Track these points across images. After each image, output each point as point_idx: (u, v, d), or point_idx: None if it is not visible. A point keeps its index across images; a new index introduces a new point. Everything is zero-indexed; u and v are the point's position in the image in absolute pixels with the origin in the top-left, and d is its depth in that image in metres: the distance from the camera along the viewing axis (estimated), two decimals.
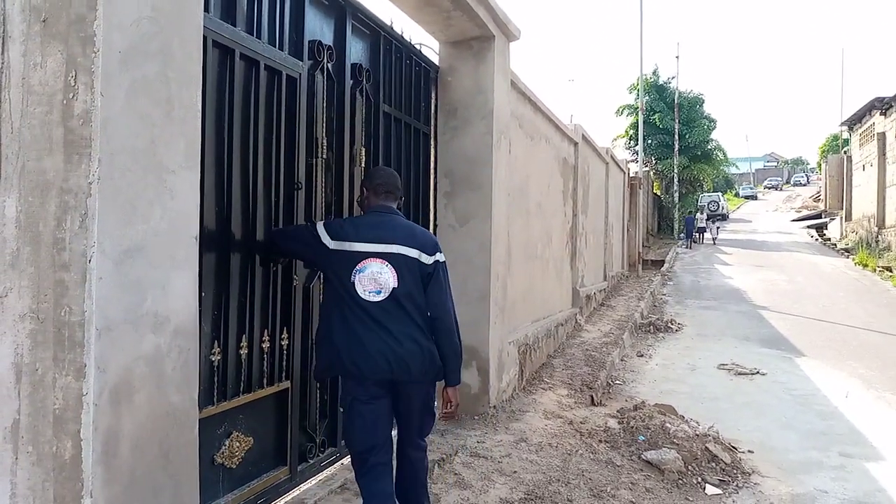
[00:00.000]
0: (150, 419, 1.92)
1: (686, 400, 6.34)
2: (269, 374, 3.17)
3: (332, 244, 2.73)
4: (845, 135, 35.56)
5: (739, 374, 7.58)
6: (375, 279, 2.68)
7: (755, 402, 6.52)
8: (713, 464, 4.62)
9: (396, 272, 2.70)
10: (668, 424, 4.97)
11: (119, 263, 1.81)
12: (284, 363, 3.29)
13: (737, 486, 4.39)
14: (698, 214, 29.34)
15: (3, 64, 1.84)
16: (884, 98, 21.64)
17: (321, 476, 3.64)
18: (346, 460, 3.85)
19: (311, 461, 3.55)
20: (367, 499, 2.72)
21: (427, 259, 2.78)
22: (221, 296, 2.85)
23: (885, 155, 21.64)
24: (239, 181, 2.93)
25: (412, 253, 2.75)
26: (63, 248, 1.78)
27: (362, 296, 2.66)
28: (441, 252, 2.90)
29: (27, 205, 1.83)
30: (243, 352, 2.98)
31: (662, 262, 20.52)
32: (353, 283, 2.67)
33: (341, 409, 2.85)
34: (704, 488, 4.31)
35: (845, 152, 32.87)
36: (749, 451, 5.03)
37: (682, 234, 28.55)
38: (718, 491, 4.28)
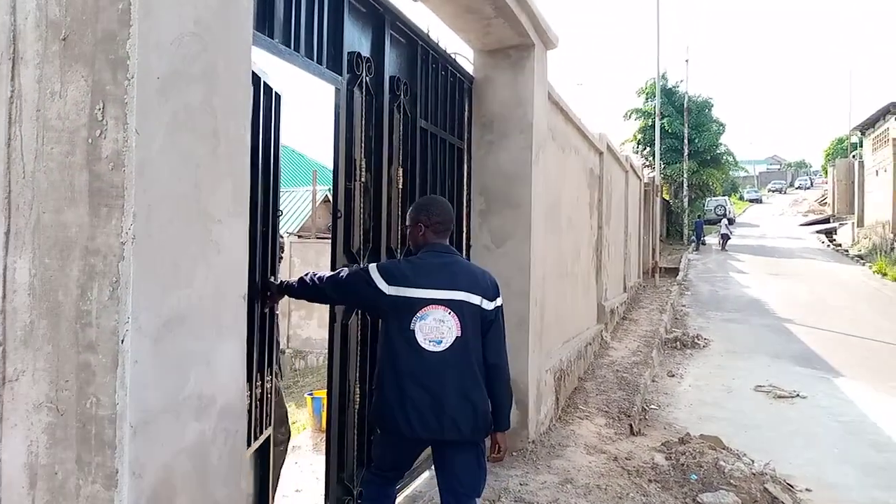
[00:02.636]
0: None
1: (727, 427, 5.99)
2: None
3: (388, 290, 2.49)
4: (854, 139, 35.21)
5: (779, 397, 7.20)
6: (437, 328, 2.49)
7: (801, 430, 6.15)
8: None
9: (460, 321, 2.50)
10: (721, 462, 4.61)
11: (158, 340, 1.45)
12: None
13: None
14: (723, 220, 29.01)
15: (13, 92, 1.47)
16: None
17: None
18: None
19: None
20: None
21: (488, 305, 2.60)
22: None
23: None
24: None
25: (475, 300, 2.56)
26: (89, 324, 1.41)
27: (422, 345, 2.46)
28: (500, 295, 2.72)
29: (43, 268, 1.46)
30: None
31: (675, 269, 20.12)
32: (414, 331, 2.47)
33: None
34: None
35: (854, 157, 32.50)
36: (807, 490, 4.68)
37: (692, 239, 28.26)
38: None
